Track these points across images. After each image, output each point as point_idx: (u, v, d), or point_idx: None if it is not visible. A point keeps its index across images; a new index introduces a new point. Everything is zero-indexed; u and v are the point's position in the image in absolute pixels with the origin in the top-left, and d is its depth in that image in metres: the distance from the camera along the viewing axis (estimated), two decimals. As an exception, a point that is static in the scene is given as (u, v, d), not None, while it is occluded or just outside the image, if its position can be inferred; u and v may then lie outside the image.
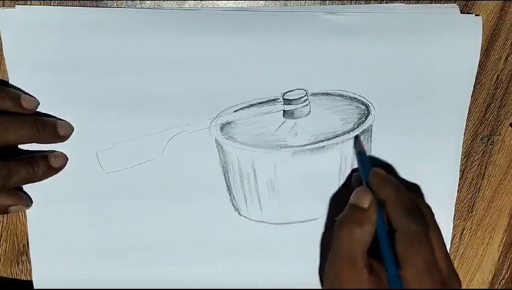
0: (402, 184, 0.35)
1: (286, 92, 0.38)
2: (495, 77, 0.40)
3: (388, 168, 0.40)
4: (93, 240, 0.40)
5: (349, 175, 0.40)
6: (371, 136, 0.39)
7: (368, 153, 0.40)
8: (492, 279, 0.44)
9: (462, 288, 0.43)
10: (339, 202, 0.39)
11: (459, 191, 0.41)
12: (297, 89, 0.38)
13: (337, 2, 0.38)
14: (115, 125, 0.38)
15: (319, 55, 0.38)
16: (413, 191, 0.40)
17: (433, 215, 0.35)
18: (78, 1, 0.37)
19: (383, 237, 0.32)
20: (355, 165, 0.40)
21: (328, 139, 0.39)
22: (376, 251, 0.32)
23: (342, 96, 0.39)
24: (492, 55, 0.40)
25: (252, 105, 0.38)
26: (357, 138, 0.38)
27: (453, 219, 0.41)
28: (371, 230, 0.33)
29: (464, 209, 0.42)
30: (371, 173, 0.35)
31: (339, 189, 0.40)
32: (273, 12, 0.37)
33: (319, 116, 0.39)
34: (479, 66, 0.39)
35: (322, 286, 0.34)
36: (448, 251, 0.42)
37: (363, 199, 0.34)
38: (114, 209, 0.39)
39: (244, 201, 0.40)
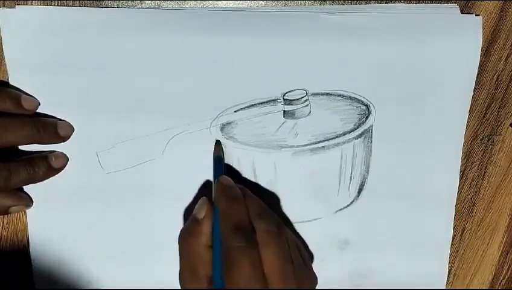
0: (255, 196, 0.35)
1: (286, 92, 0.38)
2: (495, 77, 0.40)
3: (243, 181, 0.39)
4: (94, 240, 0.40)
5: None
6: (371, 137, 0.39)
7: (369, 153, 0.40)
8: (493, 279, 0.44)
9: (462, 288, 0.43)
10: None
11: (459, 191, 0.41)
12: (298, 89, 0.38)
13: (337, 2, 0.38)
14: (115, 126, 0.38)
15: (319, 55, 0.38)
16: (272, 204, 0.40)
17: (271, 229, 0.33)
18: (78, 1, 0.37)
19: (215, 249, 0.33)
20: (356, 166, 0.40)
21: (328, 140, 0.39)
22: None
23: (343, 96, 0.39)
24: (493, 55, 0.40)
25: (252, 105, 0.38)
26: (218, 143, 0.38)
27: (453, 219, 0.41)
28: (205, 241, 0.33)
29: (464, 209, 0.42)
30: (215, 182, 0.36)
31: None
32: (274, 13, 0.37)
33: (319, 116, 0.39)
34: (479, 66, 0.39)
35: None
36: (449, 251, 0.42)
37: (199, 210, 0.34)
38: (114, 209, 0.39)
39: (244, 201, 0.40)
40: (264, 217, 0.34)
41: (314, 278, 0.35)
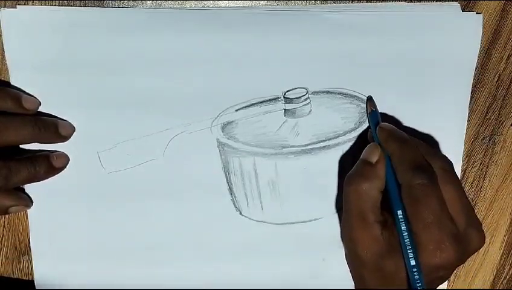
0: (417, 138, 0.35)
1: (287, 91, 0.38)
2: (496, 76, 0.40)
3: (402, 127, 0.39)
4: (94, 240, 0.40)
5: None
6: (372, 136, 0.39)
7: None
8: (494, 279, 0.43)
9: (463, 288, 0.43)
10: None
11: (461, 191, 0.41)
12: (298, 88, 0.38)
13: (338, 1, 0.38)
14: (116, 125, 0.38)
15: (319, 54, 0.38)
16: (431, 144, 0.39)
17: (447, 168, 0.33)
18: (79, 1, 0.37)
19: (393, 191, 0.33)
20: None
21: (329, 139, 0.39)
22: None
23: (343, 94, 0.39)
24: (494, 55, 0.40)
25: (253, 104, 0.38)
26: (369, 98, 0.38)
27: (455, 219, 0.41)
28: (379, 185, 0.33)
29: (466, 209, 0.42)
30: (378, 128, 0.36)
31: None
32: (274, 12, 0.37)
33: (320, 115, 0.39)
34: (481, 66, 0.39)
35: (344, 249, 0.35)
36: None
37: (371, 154, 0.34)
38: (115, 209, 0.39)
39: (245, 201, 0.40)
40: (437, 155, 0.34)
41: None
